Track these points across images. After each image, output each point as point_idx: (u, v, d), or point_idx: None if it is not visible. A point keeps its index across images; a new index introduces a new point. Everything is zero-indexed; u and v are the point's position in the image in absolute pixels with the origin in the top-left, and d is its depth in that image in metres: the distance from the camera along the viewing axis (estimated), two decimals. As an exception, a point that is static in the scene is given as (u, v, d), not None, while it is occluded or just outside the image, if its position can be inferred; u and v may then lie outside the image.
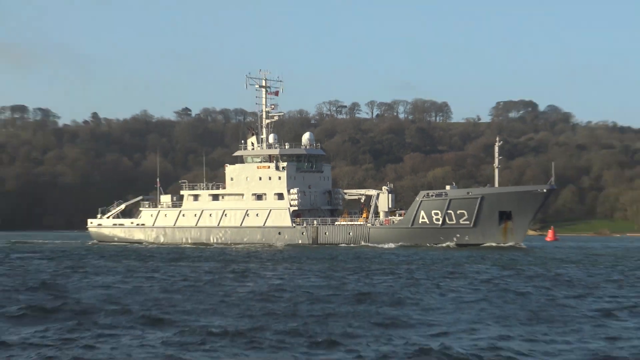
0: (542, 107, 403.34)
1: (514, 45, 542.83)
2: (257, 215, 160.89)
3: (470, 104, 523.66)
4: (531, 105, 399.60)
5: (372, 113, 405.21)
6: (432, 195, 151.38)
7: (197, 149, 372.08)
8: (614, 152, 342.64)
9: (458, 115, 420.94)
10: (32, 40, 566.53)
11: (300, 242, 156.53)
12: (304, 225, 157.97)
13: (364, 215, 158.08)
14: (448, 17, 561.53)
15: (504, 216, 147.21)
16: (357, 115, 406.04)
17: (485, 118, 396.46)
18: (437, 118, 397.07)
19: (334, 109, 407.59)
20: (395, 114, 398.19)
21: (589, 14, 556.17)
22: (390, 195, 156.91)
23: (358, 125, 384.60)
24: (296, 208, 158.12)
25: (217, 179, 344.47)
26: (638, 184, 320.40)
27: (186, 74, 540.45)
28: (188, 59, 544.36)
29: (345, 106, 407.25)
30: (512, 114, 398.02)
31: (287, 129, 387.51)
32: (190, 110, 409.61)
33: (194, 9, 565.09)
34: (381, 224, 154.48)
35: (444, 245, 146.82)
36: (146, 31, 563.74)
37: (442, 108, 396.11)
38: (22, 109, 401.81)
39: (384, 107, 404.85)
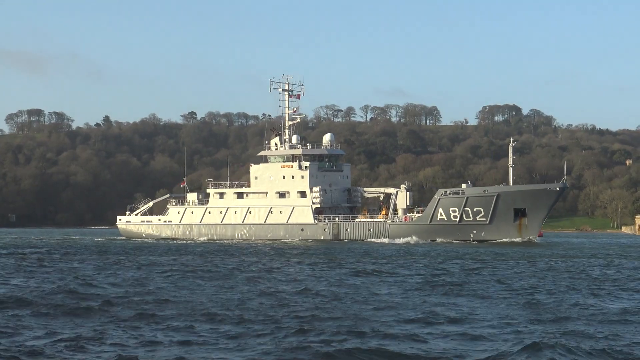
0: (525, 111, 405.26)
1: (499, 52, 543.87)
2: (280, 212, 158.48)
3: (458, 108, 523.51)
4: (515, 109, 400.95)
5: (367, 116, 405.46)
6: (450, 194, 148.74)
7: (202, 150, 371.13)
8: (593, 153, 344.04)
9: (447, 118, 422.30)
10: (48, 48, 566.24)
11: (322, 238, 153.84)
12: (326, 222, 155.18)
13: (383, 212, 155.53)
14: (438, 27, 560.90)
15: (519, 213, 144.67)
16: (352, 118, 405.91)
17: (472, 121, 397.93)
18: (427, 121, 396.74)
19: (331, 112, 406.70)
20: (388, 117, 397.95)
21: (569, 21, 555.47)
22: (408, 193, 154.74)
23: (353, 128, 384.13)
24: (318, 205, 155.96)
25: (220, 178, 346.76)
26: (616, 183, 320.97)
27: (192, 79, 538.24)
28: (194, 65, 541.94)
29: (341, 110, 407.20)
30: (498, 118, 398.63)
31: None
32: (195, 114, 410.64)
33: (197, 18, 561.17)
34: (400, 221, 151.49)
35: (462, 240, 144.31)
36: (154, 39, 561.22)
37: (432, 112, 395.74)
38: (38, 112, 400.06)
39: (378, 111, 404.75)
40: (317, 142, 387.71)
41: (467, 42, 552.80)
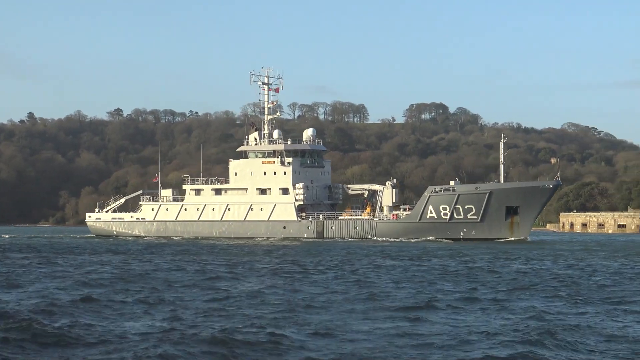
0: (452, 109, 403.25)
1: (426, 51, 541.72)
2: (261, 209, 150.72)
3: (386, 106, 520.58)
4: (442, 107, 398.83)
5: (294, 114, 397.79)
6: (440, 191, 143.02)
7: (129, 147, 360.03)
8: (519, 151, 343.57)
9: (374, 116, 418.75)
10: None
11: (305, 236, 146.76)
12: (310, 219, 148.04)
13: (368, 209, 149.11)
14: (364, 25, 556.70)
15: (511, 211, 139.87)
16: (280, 116, 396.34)
17: (400, 119, 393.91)
18: (355, 119, 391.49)
19: (258, 110, 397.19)
20: (315, 115, 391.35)
21: (494, 20, 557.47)
22: (394, 190, 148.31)
23: (281, 126, 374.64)
24: (301, 202, 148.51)
25: (147, 175, 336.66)
26: (542, 181, 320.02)
27: (118, 75, 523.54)
28: (119, 61, 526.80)
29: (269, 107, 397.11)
30: (425, 116, 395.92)
31: (214, 128, 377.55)
32: (122, 111, 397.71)
33: (119, 13, 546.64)
34: (388, 219, 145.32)
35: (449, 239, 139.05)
36: (79, 34, 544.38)
37: (360, 110, 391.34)
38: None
39: (305, 108, 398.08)
40: (244, 139, 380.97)
41: (393, 40, 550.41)
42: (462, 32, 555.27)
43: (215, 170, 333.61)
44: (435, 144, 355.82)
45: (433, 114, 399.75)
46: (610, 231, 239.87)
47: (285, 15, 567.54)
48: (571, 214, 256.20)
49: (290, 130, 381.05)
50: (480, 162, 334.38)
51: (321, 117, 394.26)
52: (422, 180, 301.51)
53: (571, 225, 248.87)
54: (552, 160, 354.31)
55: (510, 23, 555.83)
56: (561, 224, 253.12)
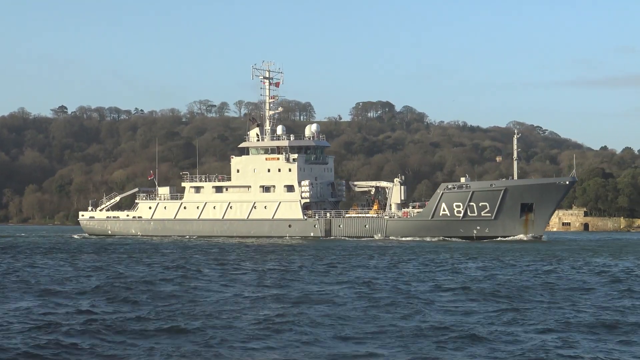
0: (398, 108, 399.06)
1: (372, 49, 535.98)
2: (265, 207, 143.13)
3: (332, 105, 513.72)
4: (388, 105, 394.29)
5: (240, 112, 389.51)
6: (453, 188, 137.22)
7: (73, 145, 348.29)
8: (465, 149, 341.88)
9: (321, 114, 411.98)
10: None
11: (312, 234, 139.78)
12: (316, 217, 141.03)
13: (375, 207, 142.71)
14: (310, 23, 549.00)
15: (526, 208, 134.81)
16: (226, 114, 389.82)
17: (346, 117, 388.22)
18: (302, 117, 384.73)
19: (204, 107, 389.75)
20: (261, 113, 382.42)
21: (439, 18, 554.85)
22: (402, 187, 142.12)
23: (227, 124, 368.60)
24: (307, 200, 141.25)
25: (92, 173, 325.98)
26: (487, 179, 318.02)
27: (61, 73, 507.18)
28: (62, 59, 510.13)
29: (215, 105, 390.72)
30: (371, 114, 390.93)
31: (159, 126, 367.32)
32: (66, 108, 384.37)
33: (64, 9, 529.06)
34: (399, 217, 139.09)
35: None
36: (23, 31, 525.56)
37: (306, 108, 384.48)
38: None
39: (252, 106, 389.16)
40: (190, 137, 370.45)
41: (340, 38, 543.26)
42: (408, 30, 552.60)
43: (161, 168, 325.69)
44: (381, 142, 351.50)
45: (379, 112, 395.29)
46: (555, 229, 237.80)
47: (231, 13, 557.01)
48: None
49: (236, 128, 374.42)
50: (426, 161, 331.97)
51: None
52: (369, 178, 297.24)
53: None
54: (498, 159, 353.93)
55: (455, 22, 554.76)
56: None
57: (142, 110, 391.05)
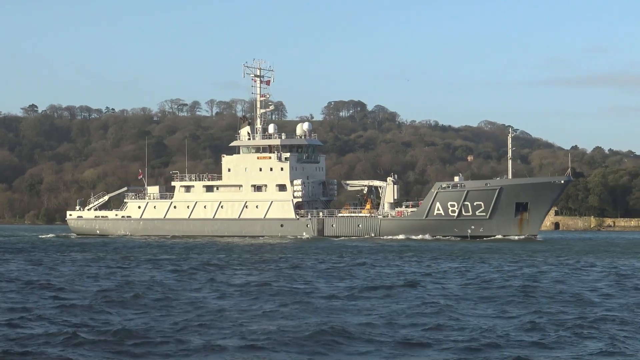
0: (370, 107, 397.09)
1: (344, 47, 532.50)
2: (256, 207, 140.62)
3: (304, 104, 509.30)
4: (360, 105, 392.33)
5: (212, 111, 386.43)
6: (448, 187, 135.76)
7: (44, 144, 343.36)
8: (436, 148, 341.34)
9: (292, 113, 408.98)
10: None
11: (304, 234, 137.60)
12: (309, 217, 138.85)
13: (368, 206, 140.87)
14: (281, 20, 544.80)
15: (520, 208, 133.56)
16: (197, 113, 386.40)
17: (318, 117, 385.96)
18: (273, 116, 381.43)
19: (176, 106, 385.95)
20: (233, 112, 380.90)
21: (410, 17, 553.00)
22: (395, 186, 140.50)
23: (198, 123, 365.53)
24: (300, 199, 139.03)
25: (63, 172, 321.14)
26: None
27: (34, 71, 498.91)
28: (34, 57, 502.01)
29: (187, 104, 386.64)
30: (343, 113, 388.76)
31: (131, 125, 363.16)
32: (37, 107, 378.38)
33: (33, 6, 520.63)
34: (392, 216, 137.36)
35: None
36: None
37: (278, 107, 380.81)
38: None
39: (223, 105, 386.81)
40: (161, 136, 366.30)
41: (312, 38, 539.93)
42: (380, 29, 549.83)
43: (132, 167, 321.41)
44: (353, 142, 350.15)
45: (351, 111, 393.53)
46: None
47: (199, 12, 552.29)
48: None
49: (207, 127, 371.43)
50: (398, 160, 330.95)
51: (239, 114, 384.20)
52: (340, 177, 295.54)
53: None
54: (469, 158, 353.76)
55: (427, 21, 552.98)
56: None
57: (113, 109, 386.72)
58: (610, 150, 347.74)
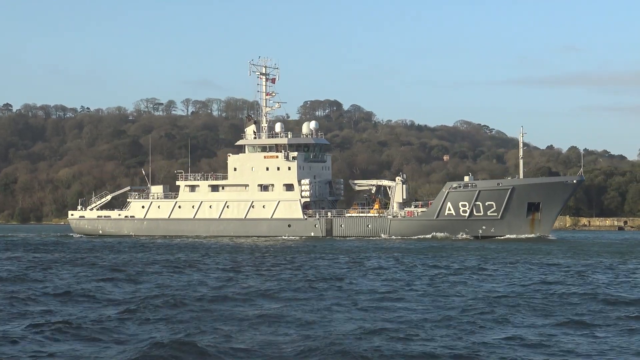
0: (346, 107, 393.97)
1: (320, 47, 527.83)
2: (263, 206, 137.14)
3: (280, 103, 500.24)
4: (336, 104, 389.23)
5: (188, 110, 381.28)
6: (459, 187, 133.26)
7: (18, 143, 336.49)
8: (412, 148, 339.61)
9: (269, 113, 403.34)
10: None
11: (312, 234, 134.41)
12: (317, 217, 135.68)
13: (376, 206, 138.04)
14: (255, 19, 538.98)
15: (532, 207, 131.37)
16: (173, 112, 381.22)
17: (294, 116, 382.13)
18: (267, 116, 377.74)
19: (151, 106, 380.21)
20: (209, 111, 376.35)
21: (386, 16, 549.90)
22: (404, 186, 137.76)
23: (174, 122, 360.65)
24: (308, 199, 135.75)
25: (37, 172, 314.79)
26: (434, 178, 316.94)
27: (8, 69, 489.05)
28: (7, 55, 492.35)
29: (162, 103, 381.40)
30: (319, 113, 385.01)
31: (106, 124, 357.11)
32: (11, 106, 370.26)
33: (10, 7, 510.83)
34: (402, 216, 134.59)
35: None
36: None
37: (254, 106, 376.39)
38: None
39: (199, 104, 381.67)
40: (137, 135, 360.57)
41: (286, 36, 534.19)
42: (356, 28, 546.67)
43: (107, 167, 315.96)
44: (329, 141, 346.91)
45: (327, 111, 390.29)
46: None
47: (175, 11, 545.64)
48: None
49: (183, 126, 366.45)
50: (373, 159, 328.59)
51: (215, 113, 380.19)
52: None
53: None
54: (445, 158, 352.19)
55: (402, 20, 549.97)
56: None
57: (88, 108, 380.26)
58: (585, 150, 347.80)
